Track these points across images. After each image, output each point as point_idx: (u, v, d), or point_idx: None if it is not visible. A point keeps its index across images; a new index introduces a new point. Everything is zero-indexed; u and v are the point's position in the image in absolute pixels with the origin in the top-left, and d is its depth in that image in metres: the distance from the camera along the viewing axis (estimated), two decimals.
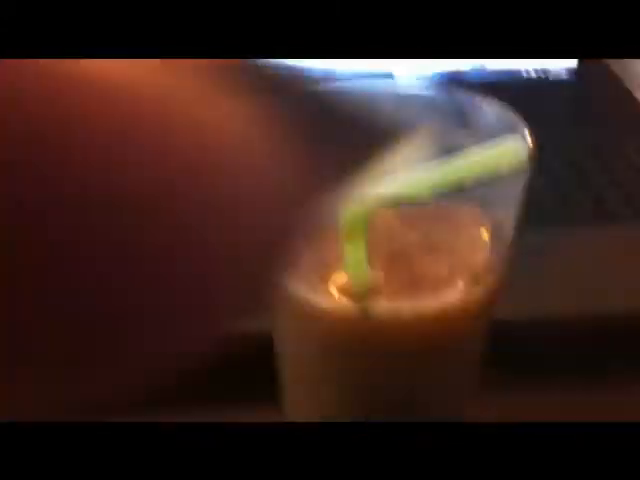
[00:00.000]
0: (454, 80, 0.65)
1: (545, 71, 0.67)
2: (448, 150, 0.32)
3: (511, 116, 0.30)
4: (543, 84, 0.67)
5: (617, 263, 0.47)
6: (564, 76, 0.67)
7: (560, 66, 0.66)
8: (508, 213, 0.28)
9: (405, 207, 0.27)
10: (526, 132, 0.29)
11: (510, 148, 0.26)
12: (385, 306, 0.27)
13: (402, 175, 0.26)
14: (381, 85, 0.33)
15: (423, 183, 0.26)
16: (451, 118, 0.32)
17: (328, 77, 0.55)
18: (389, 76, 0.65)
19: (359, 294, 0.28)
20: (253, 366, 0.38)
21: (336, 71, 0.64)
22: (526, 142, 0.28)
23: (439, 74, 0.65)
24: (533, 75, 0.67)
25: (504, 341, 0.34)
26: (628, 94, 0.70)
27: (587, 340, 0.43)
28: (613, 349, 0.44)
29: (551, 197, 0.54)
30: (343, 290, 0.28)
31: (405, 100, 0.33)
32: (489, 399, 0.33)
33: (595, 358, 0.43)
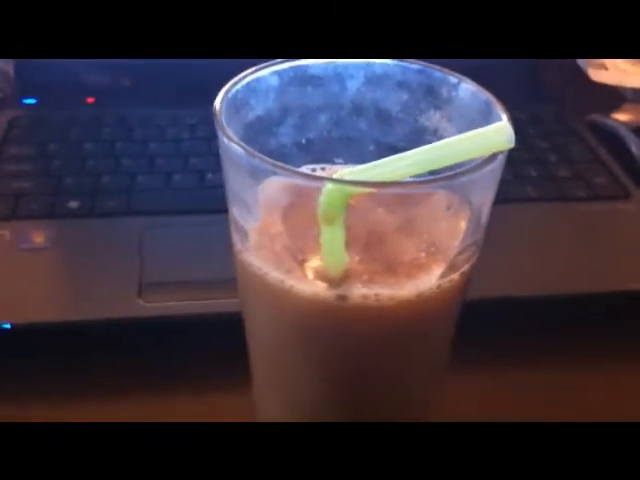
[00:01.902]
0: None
1: None
2: (421, 130, 0.32)
3: (485, 94, 0.30)
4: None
5: (572, 241, 0.48)
6: None
7: None
8: (486, 198, 0.28)
9: (384, 191, 0.26)
10: (501, 111, 0.29)
11: (497, 131, 0.25)
12: (362, 291, 0.27)
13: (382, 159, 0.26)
14: (352, 62, 0.32)
15: (405, 166, 0.25)
16: (423, 97, 0.32)
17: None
18: None
19: (335, 278, 0.27)
20: (225, 352, 0.38)
21: None
22: (506, 122, 0.28)
23: None
24: None
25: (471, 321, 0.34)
26: (579, 70, 0.70)
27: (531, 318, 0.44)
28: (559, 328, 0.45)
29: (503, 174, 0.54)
30: (319, 274, 0.27)
31: (376, 79, 0.32)
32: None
33: (558, 336, 0.44)
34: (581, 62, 0.71)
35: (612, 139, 0.62)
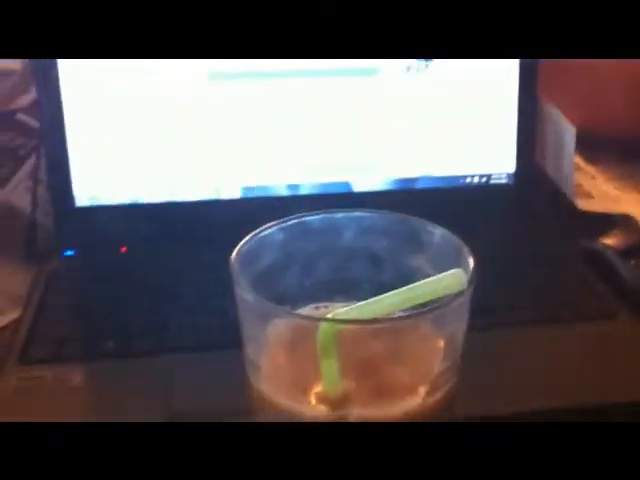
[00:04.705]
0: (405, 186, 0.71)
1: (487, 176, 0.73)
2: (406, 270, 0.38)
3: (456, 241, 0.36)
4: (485, 189, 0.73)
5: (562, 360, 0.52)
6: (503, 180, 0.73)
7: (500, 170, 0.73)
8: (458, 327, 0.33)
9: (366, 327, 0.31)
10: (468, 255, 0.34)
11: (452, 276, 0.31)
12: (357, 413, 0.32)
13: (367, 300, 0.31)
14: (344, 216, 0.38)
15: (384, 306, 0.31)
16: (405, 243, 0.38)
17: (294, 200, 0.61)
18: (347, 185, 0.71)
19: (334, 402, 0.32)
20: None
21: (299, 186, 0.70)
22: (468, 264, 0.33)
23: (392, 180, 0.71)
24: (475, 180, 0.73)
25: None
26: (564, 198, 0.76)
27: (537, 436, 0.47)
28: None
29: (499, 302, 0.59)
30: (320, 399, 0.32)
31: (366, 228, 0.38)
32: None
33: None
34: (568, 192, 0.76)
35: (601, 263, 0.67)
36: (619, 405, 0.49)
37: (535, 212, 0.72)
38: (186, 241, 0.67)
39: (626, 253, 0.68)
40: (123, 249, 0.68)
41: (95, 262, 0.66)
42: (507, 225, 0.70)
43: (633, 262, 0.67)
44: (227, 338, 0.53)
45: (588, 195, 0.79)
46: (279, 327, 0.33)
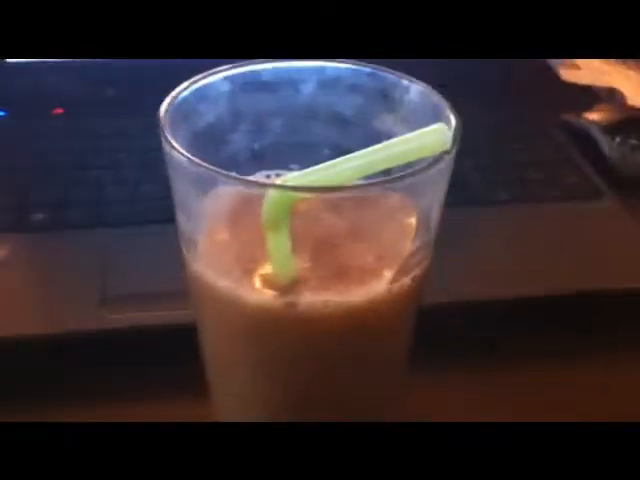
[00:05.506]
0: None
1: None
2: (375, 133, 0.32)
3: (435, 96, 0.29)
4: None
5: (544, 242, 0.47)
6: None
7: None
8: (435, 200, 0.27)
9: (325, 196, 0.26)
10: (450, 112, 0.28)
11: (434, 131, 0.25)
12: (311, 298, 0.26)
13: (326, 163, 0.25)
14: (304, 66, 0.32)
15: (348, 170, 0.25)
16: (376, 100, 0.31)
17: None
18: None
19: (284, 286, 0.27)
20: (178, 360, 0.37)
21: None
22: (450, 123, 0.27)
23: None
24: None
25: (430, 325, 0.34)
26: (548, 69, 0.70)
27: (508, 321, 0.44)
28: (537, 330, 0.44)
29: (474, 177, 0.53)
30: (268, 282, 0.27)
31: (329, 83, 0.32)
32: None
33: (520, 340, 0.44)
34: (552, 61, 0.70)
35: (584, 139, 0.62)
36: (604, 291, 0.45)
37: (518, 84, 0.66)
38: (129, 102, 0.60)
39: (611, 129, 0.63)
40: (59, 111, 0.61)
41: (28, 124, 0.59)
42: (488, 97, 0.63)
43: (618, 139, 0.62)
44: (169, 210, 0.48)
45: (574, 66, 0.73)
46: (220, 196, 0.27)
